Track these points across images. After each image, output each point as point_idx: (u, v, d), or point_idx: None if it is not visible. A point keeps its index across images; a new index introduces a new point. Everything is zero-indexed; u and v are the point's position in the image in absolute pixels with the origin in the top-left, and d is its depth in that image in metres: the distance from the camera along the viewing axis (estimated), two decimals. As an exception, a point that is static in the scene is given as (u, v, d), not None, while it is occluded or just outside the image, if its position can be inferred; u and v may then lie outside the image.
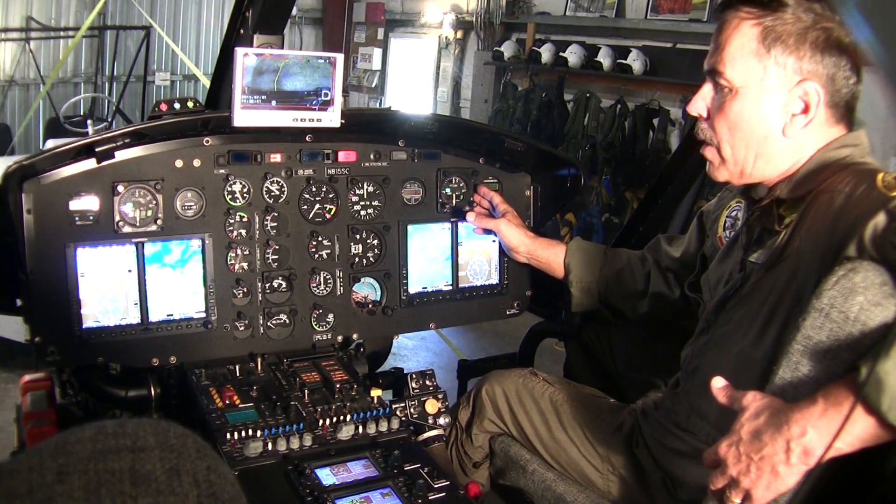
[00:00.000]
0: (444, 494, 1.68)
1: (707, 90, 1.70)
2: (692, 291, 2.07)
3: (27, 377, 2.31)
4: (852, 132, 1.63)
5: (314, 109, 2.23)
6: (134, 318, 2.18)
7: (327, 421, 1.93)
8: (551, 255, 2.43)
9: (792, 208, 1.62)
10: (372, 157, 2.49)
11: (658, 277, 2.24)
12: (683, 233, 2.28)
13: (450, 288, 2.66)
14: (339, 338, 2.46)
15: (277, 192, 2.35)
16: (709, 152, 1.73)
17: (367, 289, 2.53)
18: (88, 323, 2.12)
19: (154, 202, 2.18)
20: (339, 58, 2.23)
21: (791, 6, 1.56)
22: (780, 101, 1.60)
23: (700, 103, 1.71)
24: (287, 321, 2.38)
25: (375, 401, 2.06)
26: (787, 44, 1.56)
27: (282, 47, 2.45)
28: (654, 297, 2.25)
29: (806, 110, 1.58)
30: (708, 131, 1.71)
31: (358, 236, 2.49)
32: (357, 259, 2.49)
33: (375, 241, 2.52)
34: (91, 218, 2.11)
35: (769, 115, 1.61)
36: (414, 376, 2.42)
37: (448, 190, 2.63)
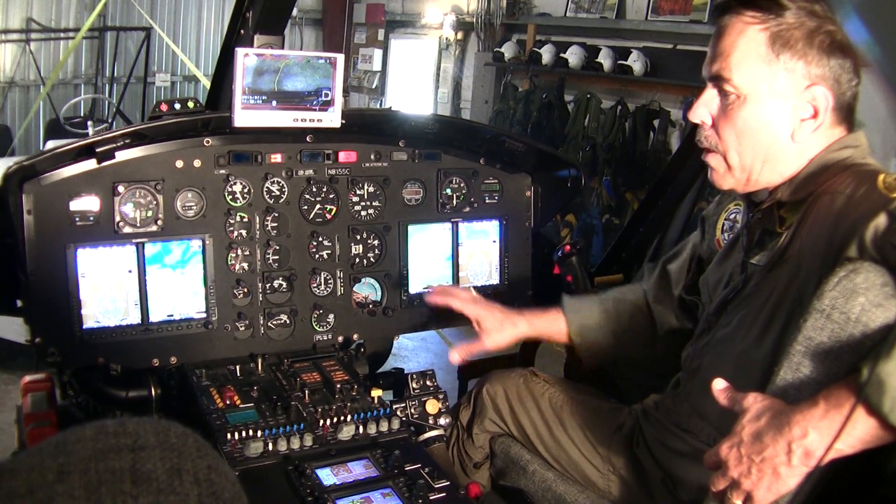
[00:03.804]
0: (444, 495, 1.68)
1: (710, 97, 1.65)
2: (689, 294, 2.07)
3: (28, 378, 2.31)
4: (852, 133, 1.62)
5: (314, 110, 2.23)
6: (134, 318, 2.18)
7: (328, 421, 1.93)
8: (551, 326, 2.21)
9: (793, 210, 1.61)
10: (372, 157, 2.49)
11: (668, 313, 2.11)
12: (684, 235, 2.26)
13: (450, 288, 2.65)
14: (340, 338, 2.46)
15: (278, 193, 2.35)
16: (713, 160, 1.68)
17: (367, 289, 2.53)
18: (89, 323, 2.13)
19: (154, 203, 2.18)
20: (340, 58, 2.23)
21: (792, 9, 1.54)
22: (790, 106, 1.57)
23: (702, 110, 1.65)
24: (287, 321, 2.38)
25: (376, 401, 2.06)
26: (796, 49, 1.53)
27: (282, 48, 2.45)
28: (666, 336, 2.13)
29: (815, 115, 1.56)
30: (713, 138, 1.66)
31: (358, 237, 2.49)
32: (357, 259, 2.49)
33: (376, 242, 2.52)
34: (91, 218, 2.11)
35: (778, 120, 1.58)
36: (414, 376, 2.42)
37: (448, 190, 2.63)
